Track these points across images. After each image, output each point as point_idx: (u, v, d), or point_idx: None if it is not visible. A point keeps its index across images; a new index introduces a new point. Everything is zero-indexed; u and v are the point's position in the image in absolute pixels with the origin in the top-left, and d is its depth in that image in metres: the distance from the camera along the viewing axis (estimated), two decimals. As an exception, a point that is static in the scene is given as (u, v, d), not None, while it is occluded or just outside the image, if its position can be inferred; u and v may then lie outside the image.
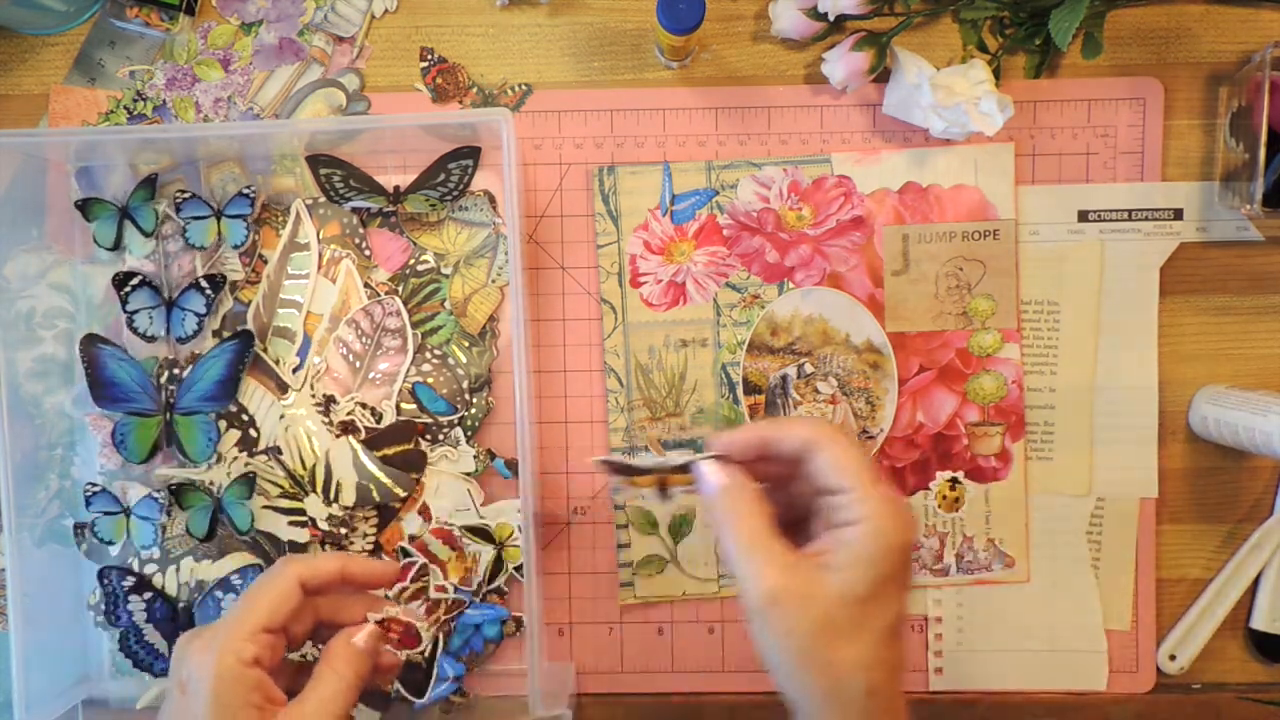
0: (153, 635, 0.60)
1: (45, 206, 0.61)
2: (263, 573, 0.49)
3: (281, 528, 0.59)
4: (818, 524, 0.45)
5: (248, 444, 0.60)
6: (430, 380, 0.60)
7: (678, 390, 0.62)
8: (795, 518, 0.46)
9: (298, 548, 0.59)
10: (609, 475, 0.51)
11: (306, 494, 0.60)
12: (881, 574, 0.42)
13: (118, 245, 0.60)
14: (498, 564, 0.60)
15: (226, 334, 0.60)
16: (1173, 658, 0.62)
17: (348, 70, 0.62)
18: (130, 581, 0.59)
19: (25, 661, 0.57)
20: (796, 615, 0.41)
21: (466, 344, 0.61)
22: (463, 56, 0.62)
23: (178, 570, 0.60)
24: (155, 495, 0.59)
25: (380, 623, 0.49)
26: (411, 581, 0.60)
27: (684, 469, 0.47)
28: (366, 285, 0.60)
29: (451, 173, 0.59)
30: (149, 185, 0.60)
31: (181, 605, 0.60)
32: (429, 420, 0.60)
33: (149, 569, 0.60)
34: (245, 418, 0.60)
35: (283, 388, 0.60)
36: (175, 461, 0.60)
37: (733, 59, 0.62)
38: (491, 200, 0.61)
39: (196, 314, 0.59)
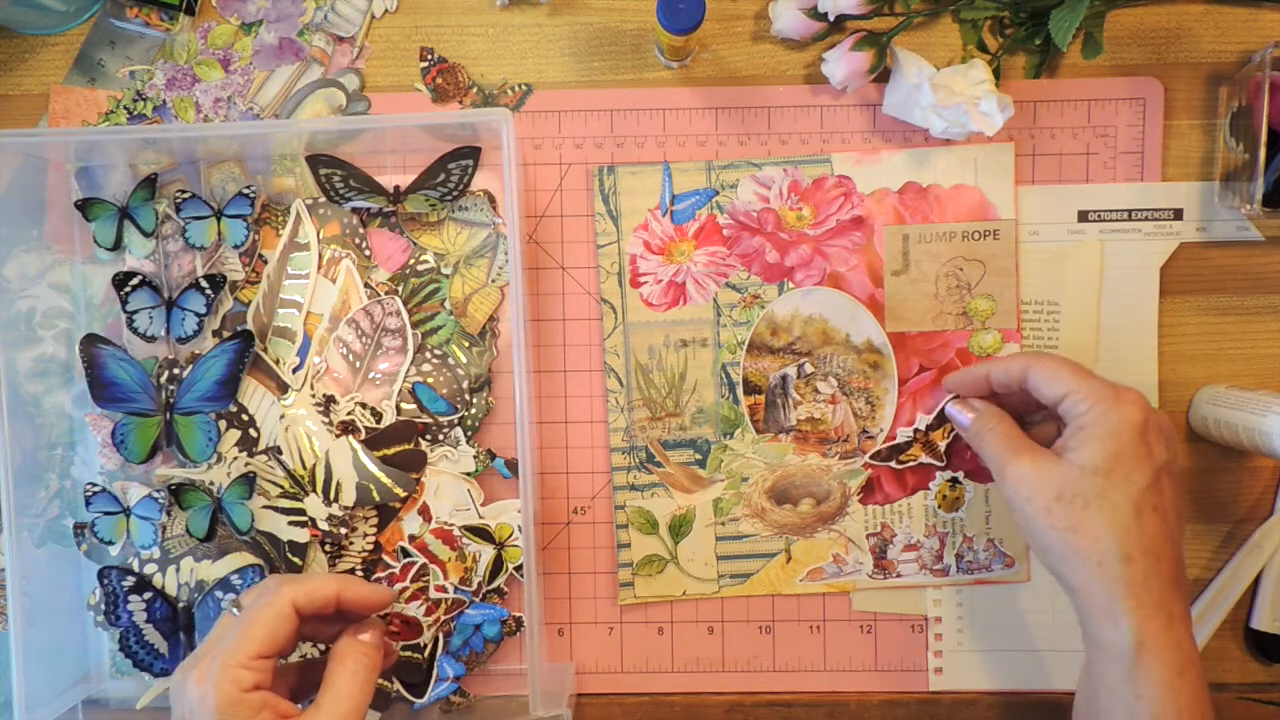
0: (153, 635, 0.60)
1: (45, 206, 0.61)
2: (257, 595, 0.49)
3: (281, 528, 0.59)
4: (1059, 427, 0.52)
5: (248, 444, 0.60)
6: (430, 380, 0.60)
7: (678, 390, 0.62)
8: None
9: (298, 548, 0.59)
10: (879, 463, 0.60)
11: (306, 494, 0.60)
12: (1114, 449, 0.48)
13: (118, 245, 0.60)
14: (498, 564, 0.60)
15: (226, 334, 0.60)
16: (1173, 658, 0.62)
17: (348, 70, 0.62)
18: (130, 581, 0.59)
19: (25, 661, 0.57)
20: (1041, 485, 0.49)
21: (466, 344, 0.61)
22: (463, 56, 0.62)
23: (178, 570, 0.60)
24: (155, 495, 0.59)
25: (383, 617, 0.49)
26: (411, 581, 0.60)
27: (940, 423, 0.59)
28: (366, 285, 0.60)
29: (451, 173, 0.59)
30: (149, 185, 0.60)
31: (181, 605, 0.60)
32: (429, 420, 0.60)
33: (149, 569, 0.60)
34: (245, 418, 0.60)
35: (283, 388, 0.60)
36: (175, 461, 0.60)
37: (733, 59, 0.62)
38: (491, 200, 0.61)
39: (196, 314, 0.59)
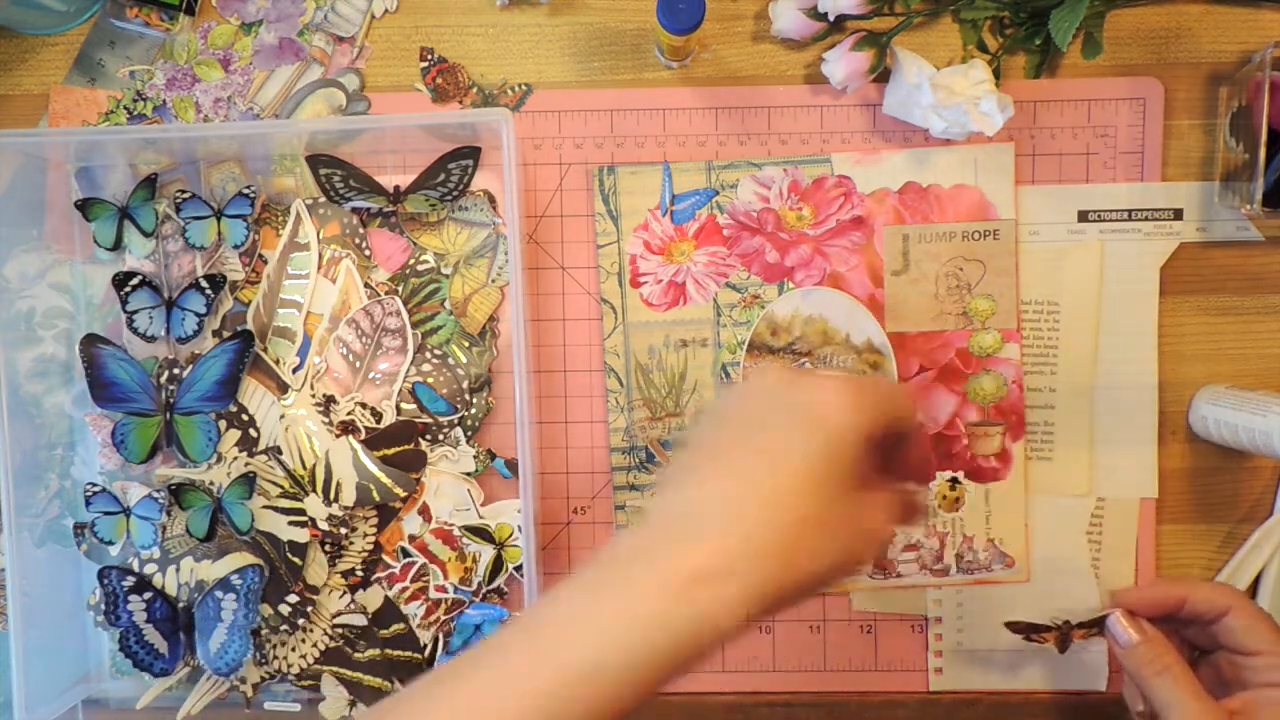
0: (153, 635, 0.59)
1: (45, 206, 0.61)
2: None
3: (281, 528, 0.59)
4: (1225, 669, 0.52)
5: (248, 444, 0.60)
6: (430, 380, 0.60)
7: (678, 390, 0.62)
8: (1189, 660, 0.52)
9: (298, 548, 0.59)
10: (1014, 633, 0.59)
11: (306, 494, 0.60)
12: None
13: (118, 245, 0.60)
14: (498, 564, 0.60)
15: (226, 334, 0.60)
16: (1173, 658, 0.62)
17: (348, 70, 0.62)
18: (130, 581, 0.59)
19: (25, 661, 0.57)
20: None
21: (466, 344, 0.61)
22: (463, 56, 0.62)
23: (178, 570, 0.60)
24: (155, 495, 0.59)
25: None
26: (411, 581, 0.60)
27: (1091, 625, 0.55)
28: (366, 285, 0.60)
29: (451, 173, 0.59)
30: (149, 185, 0.60)
31: (181, 605, 0.60)
32: (429, 420, 0.60)
33: (149, 569, 0.60)
34: (245, 418, 0.60)
35: (283, 388, 0.60)
36: (175, 461, 0.60)
37: (733, 59, 0.62)
38: (491, 200, 0.61)
39: (196, 314, 0.59)
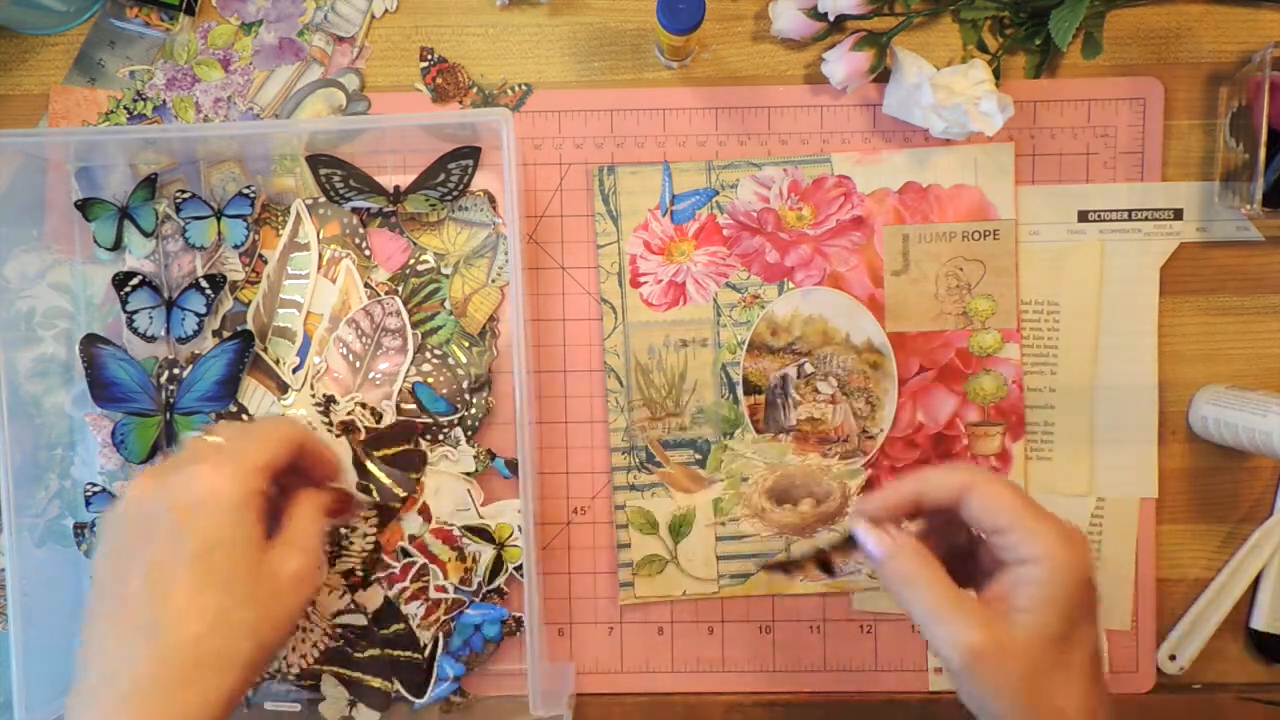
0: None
1: (45, 206, 0.61)
2: (258, 421, 0.51)
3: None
4: (986, 559, 0.45)
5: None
6: (430, 380, 0.60)
7: (678, 390, 0.62)
8: (958, 555, 0.46)
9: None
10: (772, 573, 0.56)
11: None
12: (1072, 611, 0.42)
13: (118, 245, 0.60)
14: (498, 564, 0.60)
15: (226, 334, 0.60)
16: (1173, 658, 0.62)
17: (348, 70, 0.62)
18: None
19: (25, 661, 0.57)
20: (1003, 669, 0.41)
21: (466, 344, 0.61)
22: (463, 56, 0.62)
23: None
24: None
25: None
26: (411, 581, 0.60)
27: (845, 544, 0.48)
28: (366, 285, 0.60)
29: (451, 173, 0.59)
30: (149, 185, 0.60)
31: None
32: (429, 420, 0.60)
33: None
34: (245, 418, 0.60)
35: (283, 388, 0.60)
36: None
37: (733, 59, 0.62)
38: (491, 200, 0.61)
39: (196, 314, 0.59)
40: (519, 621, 0.61)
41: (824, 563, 0.51)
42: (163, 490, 0.44)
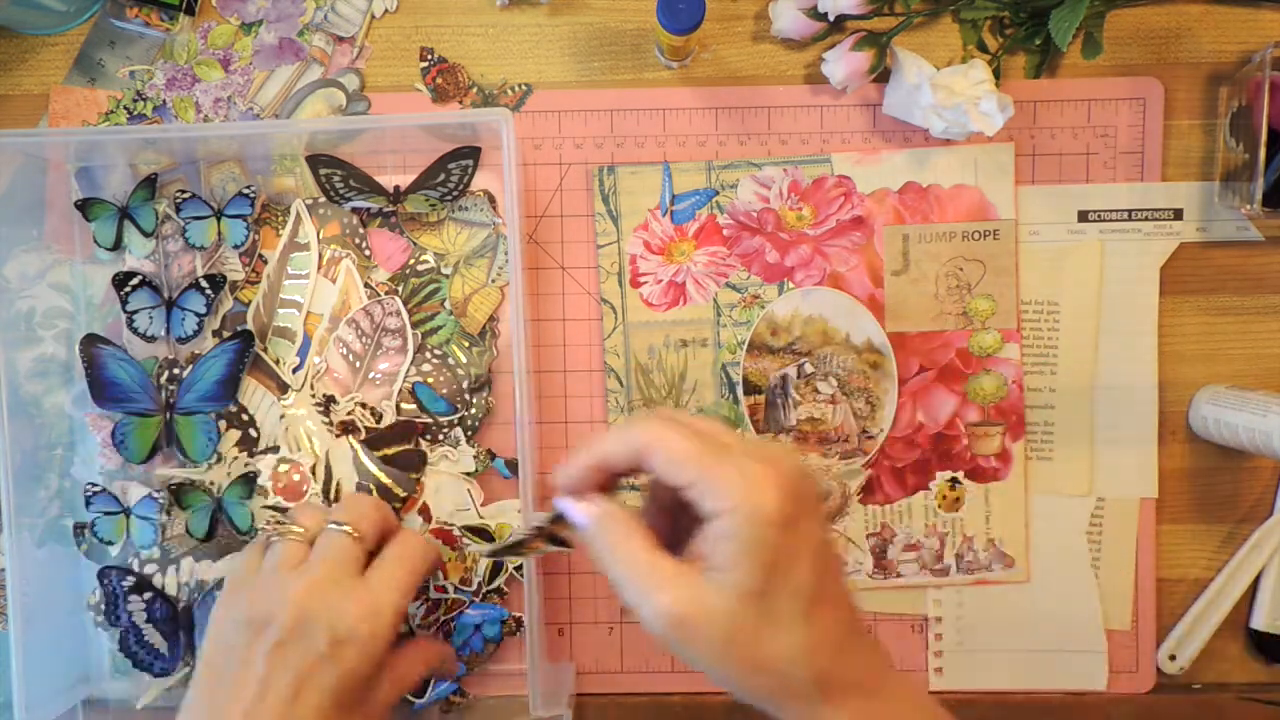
0: (152, 635, 0.59)
1: (45, 207, 0.61)
2: (412, 540, 0.54)
3: (281, 528, 0.60)
4: (682, 519, 0.42)
5: (248, 444, 0.60)
6: (430, 380, 0.60)
7: (678, 390, 0.62)
8: (682, 517, 0.42)
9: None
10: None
11: (306, 494, 0.60)
12: (765, 559, 0.38)
13: (118, 245, 0.60)
14: (498, 564, 0.60)
15: (226, 334, 0.60)
16: (1173, 658, 0.62)
17: (348, 70, 0.62)
18: (130, 581, 0.59)
19: (25, 661, 0.57)
20: (702, 632, 0.38)
21: (466, 344, 0.61)
22: (463, 56, 0.62)
23: (178, 570, 0.60)
24: (155, 495, 0.59)
25: None
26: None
27: (556, 520, 0.44)
28: (366, 285, 0.60)
29: (451, 173, 0.59)
30: (149, 185, 0.60)
31: (181, 605, 0.60)
32: (429, 420, 0.60)
33: (149, 569, 0.60)
34: (245, 418, 0.60)
35: (283, 388, 0.60)
36: (175, 461, 0.60)
37: (733, 59, 0.62)
38: (491, 200, 0.61)
39: (196, 314, 0.59)
40: (519, 622, 0.61)
41: (552, 537, 0.47)
42: (325, 610, 0.48)
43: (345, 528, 0.51)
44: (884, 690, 0.41)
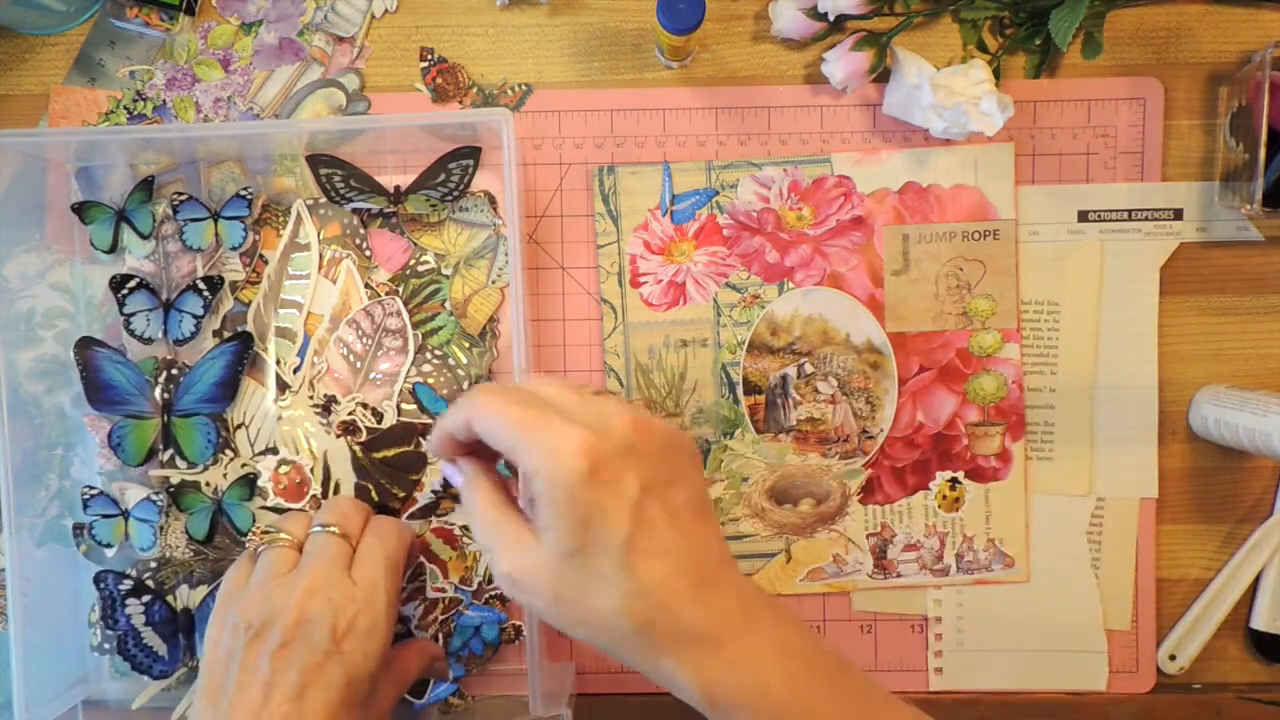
0: (151, 638, 0.59)
1: (45, 207, 0.61)
2: (385, 524, 0.55)
3: (281, 528, 0.59)
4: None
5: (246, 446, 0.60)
6: (431, 381, 0.60)
7: (678, 390, 0.62)
8: None
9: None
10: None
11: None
12: (574, 518, 0.39)
13: (114, 248, 0.60)
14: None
15: (227, 334, 0.60)
16: (1173, 658, 0.62)
17: (348, 70, 0.62)
18: (128, 585, 0.59)
19: (25, 661, 0.57)
20: (532, 589, 0.41)
21: (467, 344, 0.61)
22: (463, 56, 0.62)
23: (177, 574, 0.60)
24: (154, 498, 0.59)
25: None
26: (410, 581, 0.60)
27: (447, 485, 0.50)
28: (367, 286, 0.60)
29: (452, 173, 0.59)
30: (146, 188, 0.60)
31: (181, 608, 0.60)
32: (430, 421, 0.60)
33: (145, 576, 0.60)
34: (242, 419, 0.60)
35: (282, 388, 0.60)
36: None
37: (733, 59, 0.62)
38: (492, 201, 0.61)
39: (194, 316, 0.59)
40: (518, 630, 0.61)
41: (456, 496, 0.52)
42: (324, 608, 0.48)
43: (332, 528, 0.52)
44: (739, 640, 0.40)
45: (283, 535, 0.53)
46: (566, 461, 0.39)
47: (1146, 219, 0.61)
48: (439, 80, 0.62)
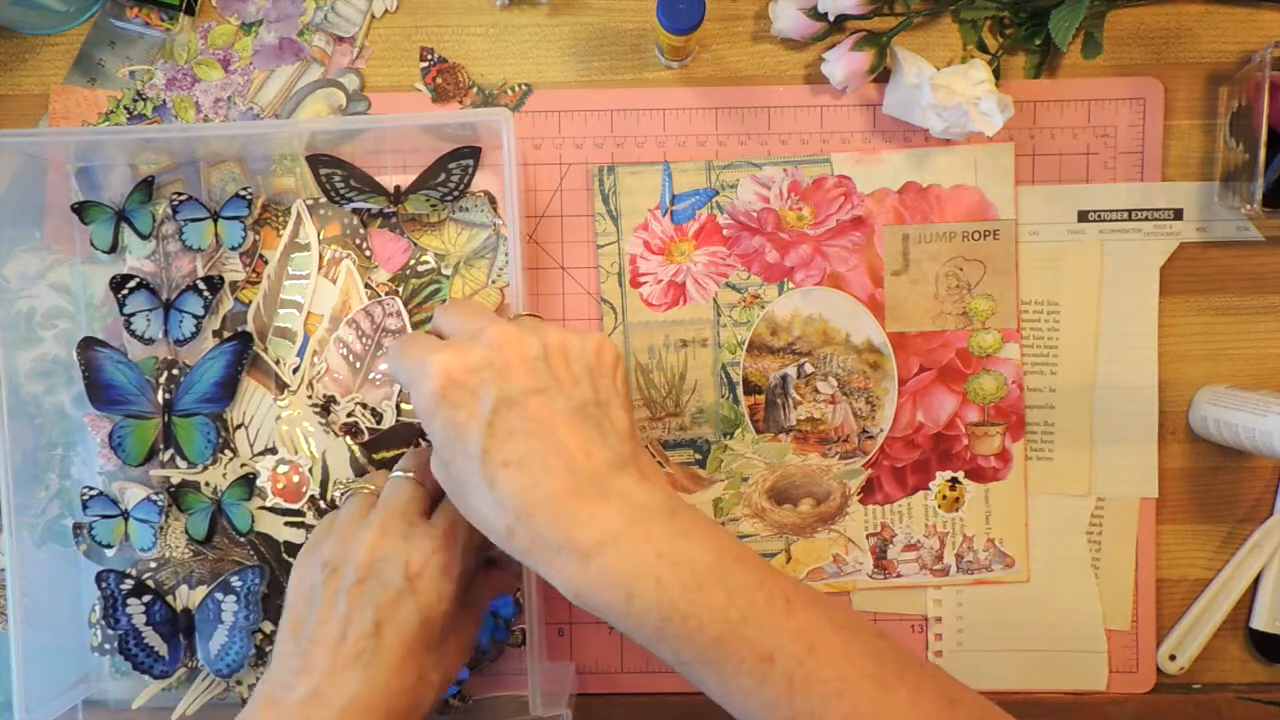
0: (152, 638, 0.59)
1: (45, 207, 0.61)
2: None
3: (278, 529, 0.59)
4: None
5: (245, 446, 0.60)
6: (430, 380, 0.60)
7: (678, 390, 0.62)
8: None
9: (293, 549, 0.59)
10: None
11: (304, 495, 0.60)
12: (437, 435, 0.43)
13: (114, 249, 0.60)
14: (498, 564, 0.60)
15: (227, 334, 0.60)
16: (1173, 658, 0.62)
17: (348, 70, 0.62)
18: (129, 584, 0.59)
19: (25, 661, 0.57)
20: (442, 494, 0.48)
21: (466, 344, 0.61)
22: (463, 56, 0.62)
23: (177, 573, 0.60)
24: (154, 498, 0.59)
25: None
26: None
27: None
28: (367, 286, 0.60)
29: (452, 173, 0.59)
30: (145, 188, 0.60)
31: (181, 608, 0.60)
32: (429, 420, 0.60)
33: (146, 577, 0.60)
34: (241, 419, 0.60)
35: (282, 388, 0.60)
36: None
37: (733, 59, 0.62)
38: (492, 201, 0.61)
39: (194, 316, 0.59)
40: (521, 633, 0.61)
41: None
42: (396, 547, 0.48)
43: (409, 474, 0.52)
44: (609, 548, 0.41)
45: (368, 485, 0.53)
46: (424, 384, 0.43)
47: (1146, 219, 0.61)
48: (439, 80, 0.62)
